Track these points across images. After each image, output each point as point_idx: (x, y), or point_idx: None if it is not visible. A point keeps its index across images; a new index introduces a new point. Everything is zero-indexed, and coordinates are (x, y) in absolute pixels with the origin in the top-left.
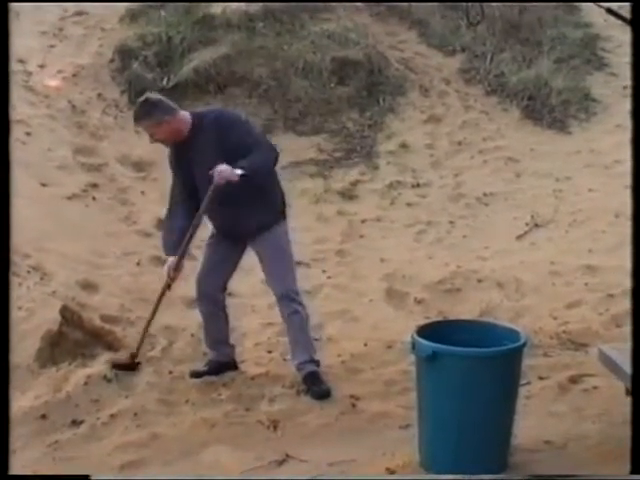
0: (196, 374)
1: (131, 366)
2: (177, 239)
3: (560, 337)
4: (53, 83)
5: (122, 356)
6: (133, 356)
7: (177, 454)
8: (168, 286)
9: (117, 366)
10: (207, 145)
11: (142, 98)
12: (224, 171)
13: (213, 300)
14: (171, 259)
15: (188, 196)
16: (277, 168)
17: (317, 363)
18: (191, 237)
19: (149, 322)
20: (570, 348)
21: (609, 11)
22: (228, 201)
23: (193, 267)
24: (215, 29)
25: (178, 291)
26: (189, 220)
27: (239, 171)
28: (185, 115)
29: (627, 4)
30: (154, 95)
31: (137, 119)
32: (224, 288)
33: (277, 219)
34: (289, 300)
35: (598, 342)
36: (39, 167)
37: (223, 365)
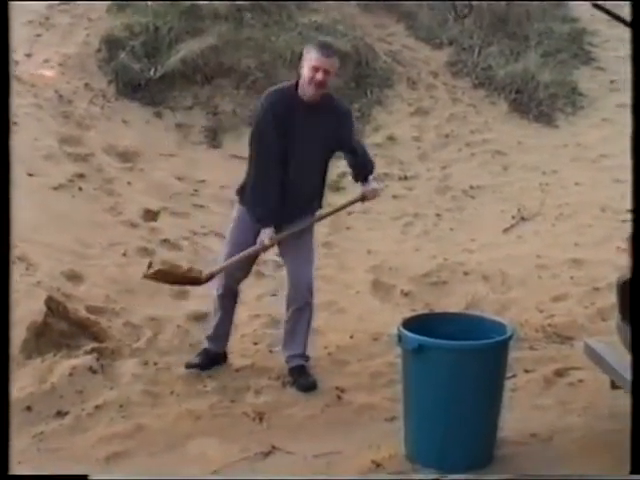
0: (189, 365)
1: (197, 281)
2: (279, 209)
3: (546, 330)
4: (47, 73)
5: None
6: (207, 277)
7: (162, 446)
8: (261, 251)
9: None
10: (328, 124)
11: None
12: (374, 196)
13: (235, 295)
14: (269, 230)
15: (282, 162)
16: None
17: (307, 359)
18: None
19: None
20: (556, 341)
21: (596, 6)
22: (310, 174)
23: (176, 258)
24: (202, 19)
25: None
26: (281, 192)
27: (371, 177)
28: None
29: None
30: None
31: (332, 54)
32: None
33: (315, 211)
34: (307, 291)
35: (584, 335)
36: (25, 157)
37: (217, 356)
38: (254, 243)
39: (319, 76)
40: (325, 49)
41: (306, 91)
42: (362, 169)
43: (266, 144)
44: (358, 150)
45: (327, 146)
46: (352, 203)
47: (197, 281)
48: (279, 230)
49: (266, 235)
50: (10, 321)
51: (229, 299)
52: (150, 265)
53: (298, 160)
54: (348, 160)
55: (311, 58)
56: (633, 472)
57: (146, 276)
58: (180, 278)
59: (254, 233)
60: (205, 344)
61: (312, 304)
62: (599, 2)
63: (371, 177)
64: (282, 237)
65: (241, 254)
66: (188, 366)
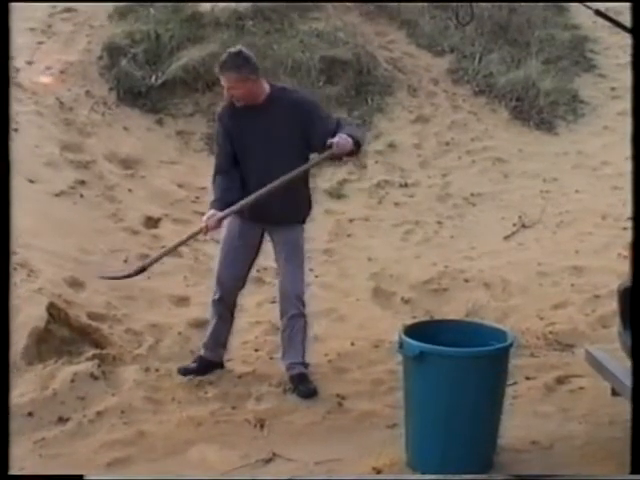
0: (185, 371)
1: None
2: (227, 198)
3: (547, 337)
4: (45, 80)
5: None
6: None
7: (163, 452)
8: (199, 233)
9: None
10: (282, 119)
11: (234, 50)
12: (345, 144)
13: (231, 304)
14: (212, 211)
15: (232, 166)
16: None
17: (307, 366)
18: (242, 207)
19: (169, 251)
20: (557, 349)
21: (598, 13)
22: (278, 174)
23: (177, 264)
24: (204, 27)
25: (165, 289)
26: (235, 185)
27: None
28: (265, 82)
29: (612, 4)
30: (247, 50)
31: (225, 69)
32: (241, 290)
33: (304, 218)
34: (298, 300)
35: (584, 343)
36: (27, 164)
37: (213, 364)
38: (250, 258)
39: (233, 92)
40: (220, 66)
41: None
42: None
43: (218, 152)
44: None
45: (290, 141)
46: (323, 159)
47: (128, 276)
48: (267, 230)
49: (207, 216)
50: (10, 326)
51: (224, 306)
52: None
53: (263, 162)
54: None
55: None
56: (633, 472)
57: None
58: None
59: (250, 249)
60: (201, 351)
61: (304, 312)
62: (601, 10)
63: (348, 133)
64: (224, 215)
65: (175, 242)
66: (180, 372)
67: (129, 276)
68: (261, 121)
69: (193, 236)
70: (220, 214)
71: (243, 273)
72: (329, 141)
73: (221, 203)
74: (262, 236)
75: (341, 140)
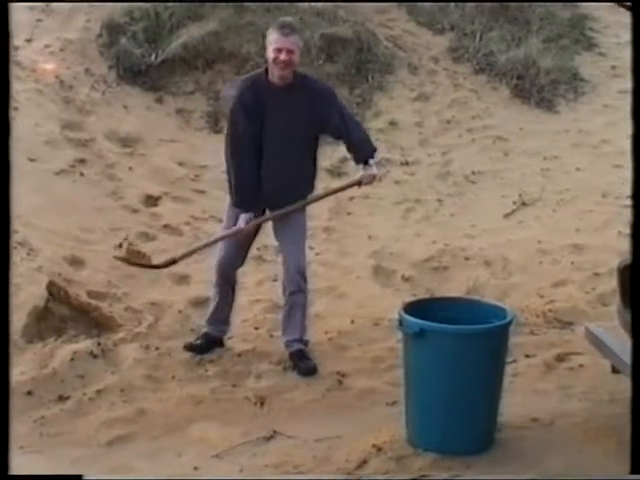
0: (190, 347)
1: (157, 266)
2: (256, 195)
3: (546, 315)
4: (49, 66)
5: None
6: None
7: (164, 430)
8: (236, 234)
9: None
10: (304, 106)
11: (289, 18)
12: (370, 180)
13: (231, 282)
14: (248, 216)
15: (255, 148)
16: None
17: (306, 343)
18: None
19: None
20: (556, 326)
21: None
22: (292, 157)
23: (177, 243)
24: (204, 5)
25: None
26: (255, 173)
27: (372, 161)
28: None
29: None
30: None
31: (289, 32)
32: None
33: (306, 195)
34: (300, 276)
35: (584, 320)
36: (27, 142)
37: (218, 341)
38: (251, 238)
39: (282, 56)
40: (284, 28)
41: (274, 73)
42: (358, 152)
43: (238, 133)
44: (352, 133)
45: (308, 128)
46: (347, 187)
47: (156, 267)
48: (269, 211)
49: (242, 220)
50: (9, 324)
51: (226, 287)
52: (120, 246)
53: (278, 144)
54: (344, 143)
55: (272, 40)
56: (633, 472)
57: (116, 257)
58: (143, 262)
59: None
60: (205, 328)
61: (305, 289)
62: None
63: (372, 161)
64: (260, 220)
65: (211, 239)
66: (186, 348)
67: (158, 266)
68: (285, 104)
69: (229, 235)
70: (255, 221)
71: (242, 256)
72: (359, 174)
73: (250, 204)
74: (259, 230)
75: (366, 178)
